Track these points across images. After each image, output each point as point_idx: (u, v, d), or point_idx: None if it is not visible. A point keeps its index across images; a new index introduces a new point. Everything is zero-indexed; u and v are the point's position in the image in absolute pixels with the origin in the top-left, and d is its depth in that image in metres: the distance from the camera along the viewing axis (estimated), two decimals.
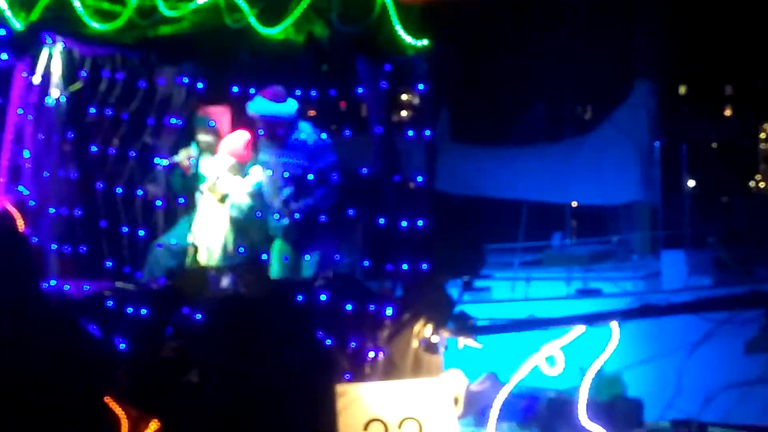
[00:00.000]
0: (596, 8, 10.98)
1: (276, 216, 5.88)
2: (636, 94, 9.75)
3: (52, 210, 5.48)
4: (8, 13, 5.34)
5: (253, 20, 5.15)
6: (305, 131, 5.92)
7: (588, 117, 11.55)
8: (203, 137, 6.01)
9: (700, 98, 22.68)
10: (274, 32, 5.17)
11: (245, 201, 6.04)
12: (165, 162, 5.82)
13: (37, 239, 5.29)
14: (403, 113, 5.41)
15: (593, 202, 10.43)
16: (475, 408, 5.49)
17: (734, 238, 10.09)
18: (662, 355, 7.74)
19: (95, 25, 5.34)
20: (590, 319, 5.32)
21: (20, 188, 5.36)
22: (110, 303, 5.07)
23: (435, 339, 5.07)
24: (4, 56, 5.29)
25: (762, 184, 23.16)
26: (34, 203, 5.35)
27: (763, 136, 24.45)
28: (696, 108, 20.93)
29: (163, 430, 4.40)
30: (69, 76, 5.64)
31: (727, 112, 24.89)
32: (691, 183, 10.18)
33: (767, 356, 7.53)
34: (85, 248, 5.60)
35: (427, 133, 5.35)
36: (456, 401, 4.92)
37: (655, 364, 7.68)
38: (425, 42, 5.05)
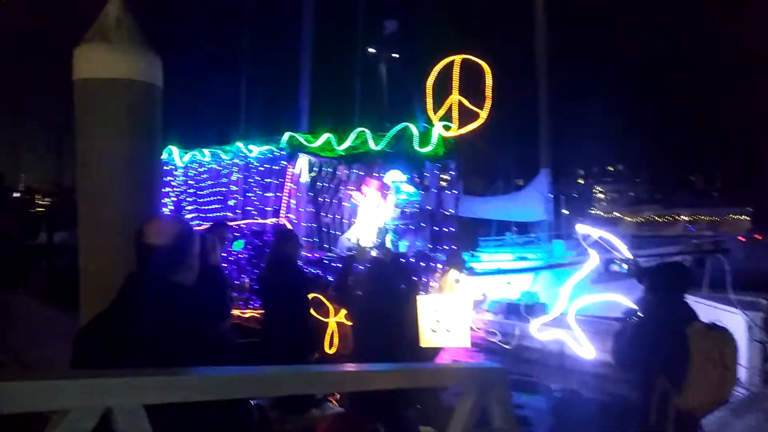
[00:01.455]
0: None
1: (393, 225, 8.65)
2: (541, 174, 13.64)
3: (304, 224, 9.25)
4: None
5: (380, 146, 8.63)
6: (407, 190, 8.78)
7: (522, 184, 17.01)
8: (356, 194, 9.36)
9: (561, 177, 37.56)
10: (392, 151, 8.65)
11: (384, 218, 8.78)
12: (348, 204, 9.16)
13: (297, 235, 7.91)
14: (443, 183, 7.97)
15: (524, 219, 14.63)
16: (477, 306, 8.73)
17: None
18: (555, 285, 9.61)
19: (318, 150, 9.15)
20: (524, 270, 9.41)
21: (290, 215, 9.20)
22: (325, 261, 8.36)
23: (458, 277, 6.84)
24: (284, 162, 9.30)
25: (594, 212, 44.99)
26: (296, 221, 9.18)
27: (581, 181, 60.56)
28: (563, 181, 40.03)
29: (348, 314, 6.05)
30: (309, 170, 9.33)
31: (580, 180, 58.66)
32: (565, 211, 15.33)
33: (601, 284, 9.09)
34: (316, 239, 9.33)
35: (455, 191, 8.66)
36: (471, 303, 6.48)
37: (552, 289, 9.78)
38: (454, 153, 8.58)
